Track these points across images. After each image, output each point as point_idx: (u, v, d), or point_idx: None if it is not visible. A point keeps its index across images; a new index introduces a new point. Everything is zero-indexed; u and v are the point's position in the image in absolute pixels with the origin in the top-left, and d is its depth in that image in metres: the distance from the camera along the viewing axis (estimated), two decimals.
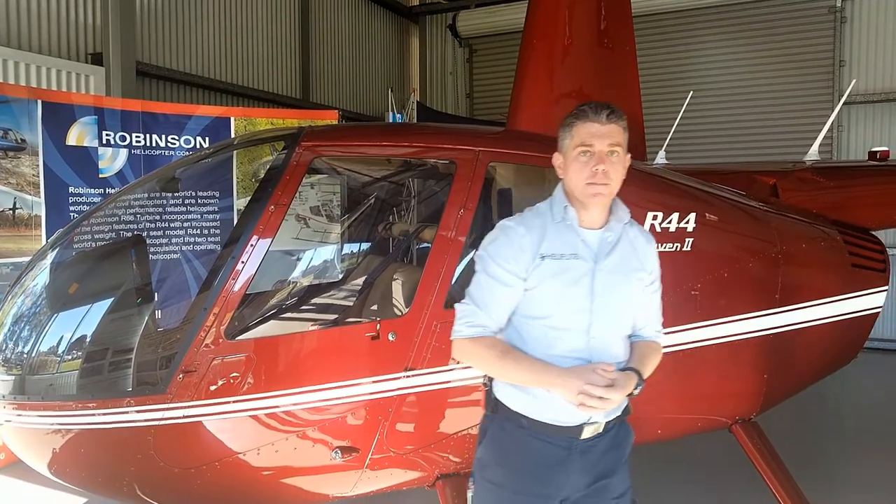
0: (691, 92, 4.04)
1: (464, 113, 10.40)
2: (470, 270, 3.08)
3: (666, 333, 3.27)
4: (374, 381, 2.68)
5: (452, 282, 2.81)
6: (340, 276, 3.43)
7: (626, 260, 1.97)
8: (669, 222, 3.17)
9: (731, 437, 3.48)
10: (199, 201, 5.26)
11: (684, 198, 3.31)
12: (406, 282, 2.95)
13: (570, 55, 3.53)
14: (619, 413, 2.03)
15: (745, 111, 8.42)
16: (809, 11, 8.22)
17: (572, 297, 1.92)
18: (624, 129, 1.93)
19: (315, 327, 2.71)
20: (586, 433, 1.97)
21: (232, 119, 5.51)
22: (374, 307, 3.05)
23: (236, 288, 2.56)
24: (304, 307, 3.05)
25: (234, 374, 2.58)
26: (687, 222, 3.19)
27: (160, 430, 2.65)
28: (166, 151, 5.33)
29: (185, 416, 2.61)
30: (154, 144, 5.28)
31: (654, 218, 3.18)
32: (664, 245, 3.15)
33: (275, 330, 2.78)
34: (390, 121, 7.43)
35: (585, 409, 1.82)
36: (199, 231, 5.22)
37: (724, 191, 3.55)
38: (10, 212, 4.56)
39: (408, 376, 2.72)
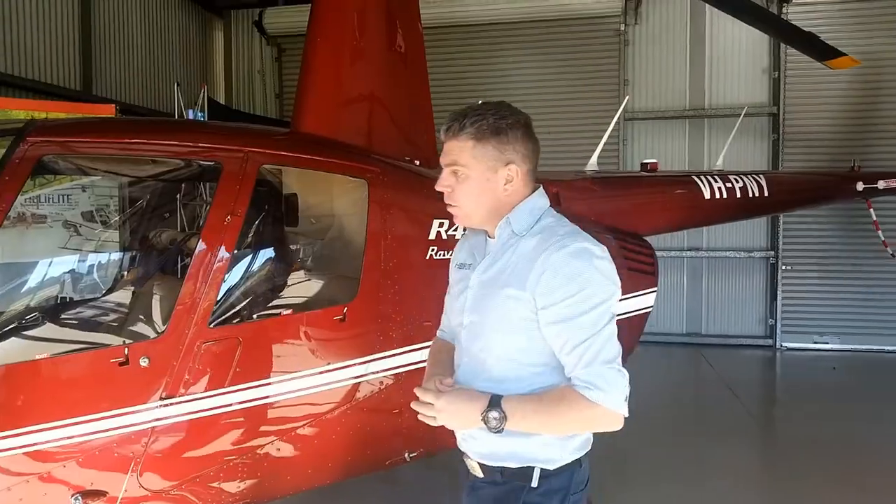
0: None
1: (274, 114, 9.96)
2: (239, 285, 2.87)
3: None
4: (121, 414, 2.33)
5: (219, 296, 2.54)
6: (97, 293, 3.00)
7: (501, 274, 1.69)
8: (455, 230, 3.16)
9: None
10: None
11: None
12: (165, 297, 2.63)
13: (358, 55, 3.40)
14: (503, 463, 1.71)
15: (539, 123, 8.88)
16: (599, 33, 8.89)
17: (456, 309, 1.84)
18: (474, 142, 1.67)
19: (46, 354, 2.30)
20: (469, 466, 1.81)
21: None
22: (127, 328, 2.69)
23: None
24: (36, 331, 2.60)
25: None
26: None
27: None
28: None
29: None
30: None
31: (441, 225, 3.15)
32: (448, 252, 3.13)
33: (5, 357, 2.33)
34: (188, 117, 6.85)
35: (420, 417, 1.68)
36: None
37: None
38: None
39: (164, 405, 2.40)
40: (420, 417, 1.66)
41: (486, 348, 1.71)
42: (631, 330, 4.01)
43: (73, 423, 2.27)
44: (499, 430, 1.58)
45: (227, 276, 2.57)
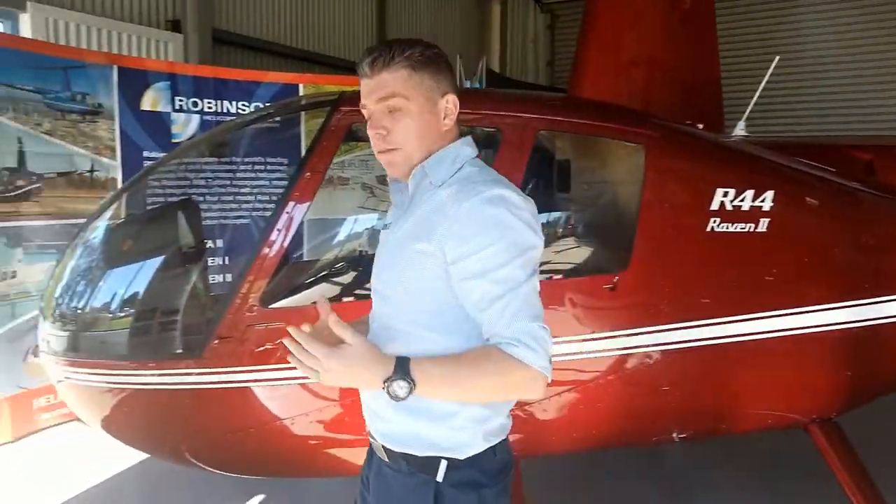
0: (777, 57, 3.64)
1: (545, 81, 10.07)
2: None
3: (734, 322, 3.09)
4: None
5: None
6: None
7: (412, 229, 1.48)
8: (742, 200, 2.88)
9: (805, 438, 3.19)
10: (267, 167, 5.31)
11: (761, 173, 3.00)
12: None
13: (640, 15, 3.26)
14: (405, 448, 1.50)
15: (843, 82, 7.69)
16: None
17: (375, 270, 1.63)
18: (409, 71, 1.44)
19: (352, 299, 2.64)
20: (374, 445, 1.59)
21: (301, 86, 5.50)
22: None
23: (272, 255, 2.52)
24: (342, 278, 2.99)
25: (268, 342, 2.55)
26: (763, 200, 2.89)
27: (198, 394, 2.67)
28: (237, 118, 5.39)
29: (219, 382, 2.61)
30: (225, 111, 5.35)
31: (725, 195, 2.89)
32: (735, 225, 2.87)
33: (312, 300, 2.73)
34: (464, 87, 7.25)
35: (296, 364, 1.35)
36: (268, 197, 5.25)
37: (810, 167, 3.20)
38: (88, 174, 4.75)
39: None
40: (295, 364, 1.32)
41: (393, 313, 1.50)
42: None
43: None
44: (402, 399, 1.32)
45: None
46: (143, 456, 3.56)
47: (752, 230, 2.90)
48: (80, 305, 3.02)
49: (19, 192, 4.38)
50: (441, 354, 1.41)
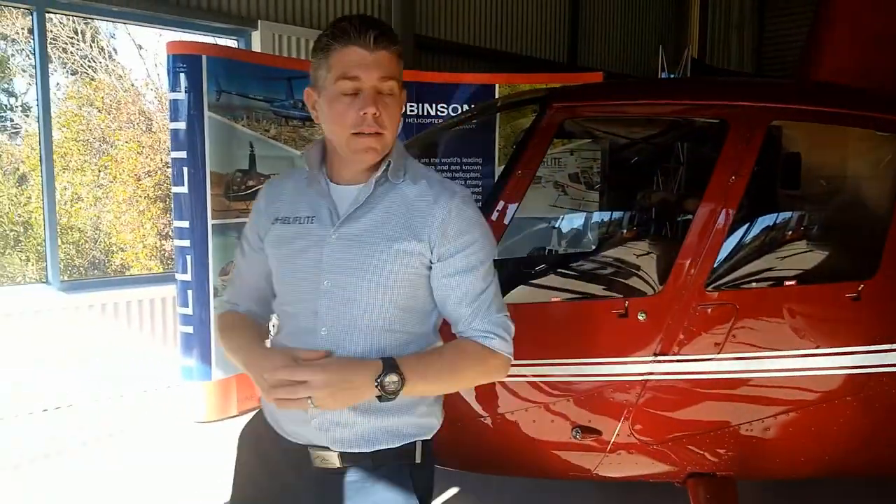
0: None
1: (750, 68, 9.30)
2: (738, 249, 2.73)
3: None
4: (618, 363, 2.48)
5: (718, 259, 2.46)
6: (591, 247, 3.24)
7: (382, 226, 1.45)
8: None
9: None
10: (462, 167, 5.44)
11: None
12: (661, 257, 2.67)
13: None
14: (381, 446, 1.48)
15: None
16: None
17: (299, 271, 1.51)
18: (399, 57, 1.42)
19: (559, 299, 2.58)
20: (316, 460, 1.50)
21: (496, 86, 5.56)
22: (624, 283, 2.83)
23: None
24: (550, 277, 2.94)
25: None
26: None
27: None
28: (436, 120, 5.58)
29: None
30: (426, 113, 5.56)
31: None
32: None
33: (520, 298, 2.71)
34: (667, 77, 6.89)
35: (283, 405, 1.37)
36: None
37: None
38: None
39: (657, 361, 2.46)
40: (285, 405, 1.34)
41: (356, 318, 1.45)
42: None
43: (576, 363, 2.51)
44: (390, 399, 1.37)
45: (726, 239, 2.47)
46: None
47: None
48: None
49: (249, 191, 4.88)
50: (413, 348, 1.49)
